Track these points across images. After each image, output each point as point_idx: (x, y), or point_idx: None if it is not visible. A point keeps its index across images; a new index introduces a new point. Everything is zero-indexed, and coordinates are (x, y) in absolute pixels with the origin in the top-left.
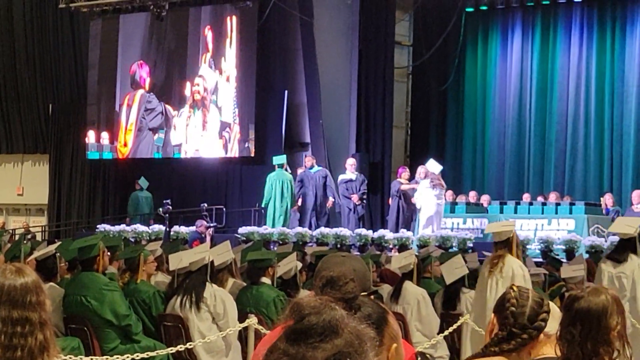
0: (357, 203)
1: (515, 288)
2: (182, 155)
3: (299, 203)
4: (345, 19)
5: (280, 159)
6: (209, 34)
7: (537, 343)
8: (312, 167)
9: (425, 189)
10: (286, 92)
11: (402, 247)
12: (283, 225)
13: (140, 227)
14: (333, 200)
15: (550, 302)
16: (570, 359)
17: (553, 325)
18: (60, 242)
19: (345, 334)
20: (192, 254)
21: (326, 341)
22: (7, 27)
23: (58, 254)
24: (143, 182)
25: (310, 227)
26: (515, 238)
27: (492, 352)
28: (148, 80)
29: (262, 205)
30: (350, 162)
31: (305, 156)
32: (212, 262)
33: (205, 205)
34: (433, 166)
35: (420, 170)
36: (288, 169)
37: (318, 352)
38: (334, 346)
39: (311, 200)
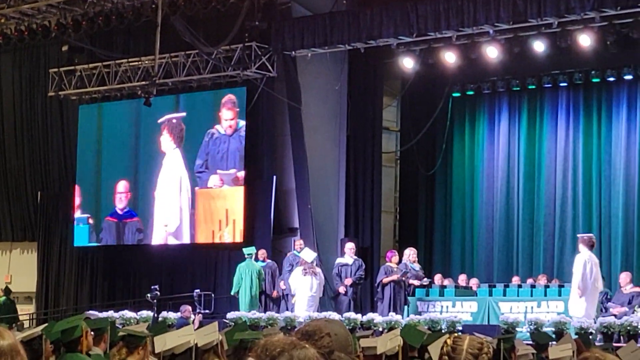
0: (347, 284)
1: (448, 341)
2: (172, 242)
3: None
4: (333, 105)
5: (250, 250)
6: None
7: None
8: (300, 250)
9: (299, 277)
10: (275, 177)
11: (391, 330)
12: (250, 310)
13: (128, 313)
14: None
15: None
16: None
17: None
18: (46, 324)
19: None
20: (177, 336)
21: None
22: None
23: (44, 335)
24: (7, 290)
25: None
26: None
27: None
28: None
29: (232, 293)
30: (350, 247)
31: (295, 240)
32: (196, 345)
33: (198, 291)
34: (306, 255)
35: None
36: (254, 258)
37: None
38: None
39: None
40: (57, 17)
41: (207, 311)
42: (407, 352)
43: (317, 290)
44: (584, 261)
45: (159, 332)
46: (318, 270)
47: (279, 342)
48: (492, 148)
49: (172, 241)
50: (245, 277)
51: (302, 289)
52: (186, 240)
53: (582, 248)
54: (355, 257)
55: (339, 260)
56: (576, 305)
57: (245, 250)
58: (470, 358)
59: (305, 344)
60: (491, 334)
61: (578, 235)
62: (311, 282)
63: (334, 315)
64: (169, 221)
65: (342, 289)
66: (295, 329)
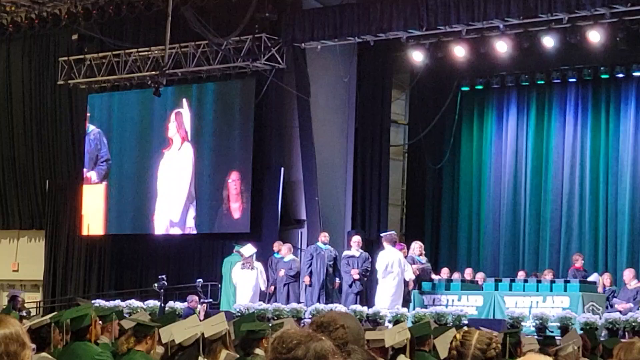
0: (355, 278)
1: (458, 336)
2: (178, 231)
3: (307, 278)
4: (342, 97)
5: (238, 247)
6: None
7: None
8: (325, 244)
9: (238, 270)
10: (282, 169)
11: (397, 323)
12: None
13: (135, 303)
14: (339, 282)
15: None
16: None
17: None
18: (54, 313)
19: None
20: (183, 328)
21: None
22: (5, 102)
23: (52, 323)
24: None
25: (318, 302)
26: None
27: None
28: None
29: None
30: (356, 240)
31: (321, 231)
32: (203, 335)
33: (201, 281)
34: (246, 250)
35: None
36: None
37: None
38: None
39: (319, 276)
40: (68, 6)
41: (211, 300)
42: (414, 345)
43: (255, 282)
44: (387, 258)
45: (167, 322)
46: (257, 264)
47: (295, 334)
48: (500, 143)
49: (177, 231)
50: (226, 271)
51: (242, 281)
52: (193, 229)
53: (387, 245)
54: (362, 250)
55: (346, 252)
56: (380, 297)
57: (237, 247)
58: (478, 353)
59: (321, 337)
60: (496, 328)
61: (381, 234)
62: (250, 276)
63: (341, 308)
64: (174, 211)
65: (350, 277)
66: (310, 320)
